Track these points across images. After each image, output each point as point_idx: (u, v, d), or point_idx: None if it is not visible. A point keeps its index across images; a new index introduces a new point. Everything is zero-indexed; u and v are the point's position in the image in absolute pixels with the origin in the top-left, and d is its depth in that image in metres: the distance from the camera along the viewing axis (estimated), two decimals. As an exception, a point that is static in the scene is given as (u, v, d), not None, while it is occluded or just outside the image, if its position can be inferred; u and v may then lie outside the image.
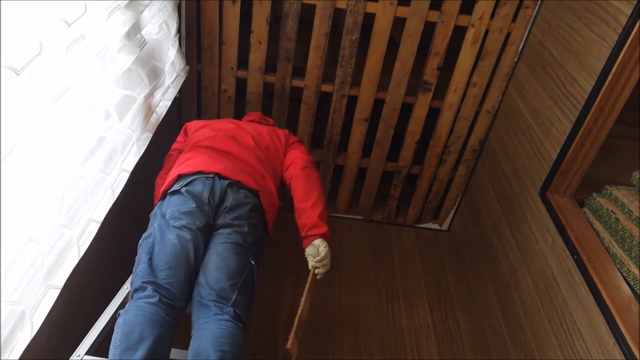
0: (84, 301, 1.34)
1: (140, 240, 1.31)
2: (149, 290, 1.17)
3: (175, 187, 1.38)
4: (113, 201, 1.27)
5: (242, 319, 1.23)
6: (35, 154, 0.89)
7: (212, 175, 1.39)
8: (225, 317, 1.19)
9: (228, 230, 1.34)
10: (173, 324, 1.17)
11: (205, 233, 1.33)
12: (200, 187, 1.37)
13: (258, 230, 1.42)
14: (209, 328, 1.16)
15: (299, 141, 1.74)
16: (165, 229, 1.29)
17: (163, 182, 1.46)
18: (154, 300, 1.15)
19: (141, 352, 1.05)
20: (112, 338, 1.10)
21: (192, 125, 1.70)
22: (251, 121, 1.77)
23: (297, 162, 1.62)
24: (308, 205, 1.48)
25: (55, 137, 0.95)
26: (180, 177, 1.40)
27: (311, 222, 1.46)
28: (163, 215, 1.33)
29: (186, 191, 1.35)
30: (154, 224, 1.33)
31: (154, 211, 1.39)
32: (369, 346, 1.85)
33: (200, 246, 1.30)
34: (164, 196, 1.39)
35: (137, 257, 1.27)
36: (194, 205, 1.33)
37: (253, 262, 1.33)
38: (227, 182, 1.40)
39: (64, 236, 1.02)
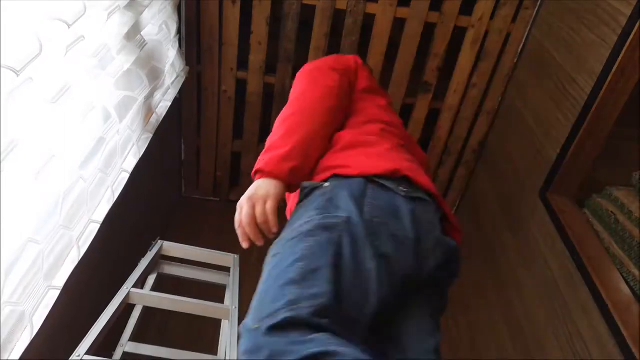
0: (84, 301, 1.34)
1: (308, 224, 0.80)
2: (327, 324, 0.69)
3: (389, 183, 0.88)
4: (113, 202, 1.27)
5: None
6: (35, 154, 0.89)
7: (431, 199, 0.92)
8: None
9: (433, 291, 0.91)
10: None
11: (407, 285, 0.86)
12: (427, 215, 0.89)
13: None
14: None
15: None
16: (363, 250, 0.79)
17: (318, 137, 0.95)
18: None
19: None
20: None
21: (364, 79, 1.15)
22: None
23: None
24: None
25: (55, 138, 0.95)
26: (399, 175, 0.91)
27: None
28: (360, 208, 0.82)
29: (409, 201, 0.87)
30: (339, 209, 0.82)
31: (323, 185, 0.89)
32: (369, 347, 1.84)
33: (388, 295, 0.81)
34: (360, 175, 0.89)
35: (303, 246, 0.78)
36: (412, 236, 0.84)
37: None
38: (439, 211, 0.93)
39: (64, 237, 1.02)
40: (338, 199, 0.84)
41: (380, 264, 0.79)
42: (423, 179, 0.93)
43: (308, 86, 1.03)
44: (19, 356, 0.90)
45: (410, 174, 0.91)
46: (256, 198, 0.89)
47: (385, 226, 0.82)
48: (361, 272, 0.77)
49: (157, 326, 1.67)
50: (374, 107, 1.10)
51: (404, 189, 0.88)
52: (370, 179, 0.88)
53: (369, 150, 0.96)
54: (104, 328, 1.20)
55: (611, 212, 1.42)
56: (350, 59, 1.16)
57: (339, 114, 1.04)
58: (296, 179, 0.92)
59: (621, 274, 1.30)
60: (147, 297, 1.31)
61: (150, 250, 1.48)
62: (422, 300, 0.90)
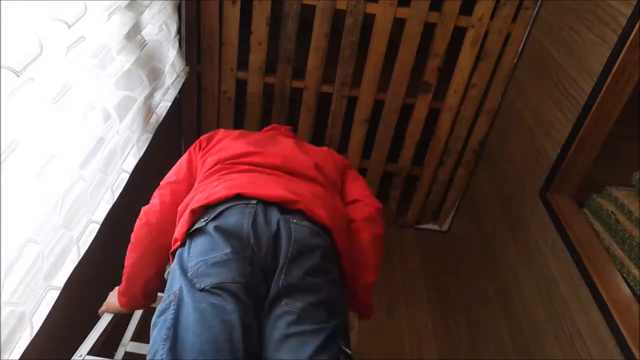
0: (84, 301, 1.34)
1: (154, 318, 0.86)
2: None
3: (197, 225, 0.94)
4: (113, 202, 1.27)
5: None
6: (35, 154, 0.89)
7: (254, 202, 0.95)
8: None
9: (299, 303, 0.86)
10: None
11: (256, 296, 0.87)
12: (235, 217, 0.92)
13: (339, 288, 0.96)
14: None
15: (351, 165, 1.31)
16: (190, 296, 0.83)
17: (166, 230, 1.05)
18: None
19: None
20: None
21: (206, 139, 1.25)
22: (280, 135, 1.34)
23: (363, 203, 1.16)
24: (361, 275, 1.08)
25: (55, 138, 0.95)
26: (204, 209, 0.96)
27: (357, 293, 1.08)
28: (184, 272, 0.88)
29: (215, 228, 0.91)
30: (173, 288, 0.88)
31: (170, 267, 0.98)
32: (369, 347, 1.85)
33: (250, 321, 0.83)
34: (183, 242, 0.95)
35: (150, 342, 0.83)
36: (228, 249, 0.87)
37: (348, 350, 0.88)
38: (285, 214, 0.95)
39: (64, 237, 1.02)
40: (171, 279, 0.93)
41: (209, 302, 0.82)
42: (219, 194, 0.97)
43: (128, 255, 1.12)
44: (18, 356, 0.90)
45: (206, 200, 0.96)
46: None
47: (203, 265, 0.87)
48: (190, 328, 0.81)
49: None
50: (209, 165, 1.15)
51: (204, 220, 0.94)
52: (188, 232, 0.95)
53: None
54: (105, 328, 1.20)
55: (611, 212, 1.42)
56: (181, 166, 1.22)
57: (156, 248, 1.10)
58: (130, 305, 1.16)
59: (621, 274, 1.30)
60: None
61: None
62: (278, 321, 0.87)
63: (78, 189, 1.07)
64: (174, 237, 1.00)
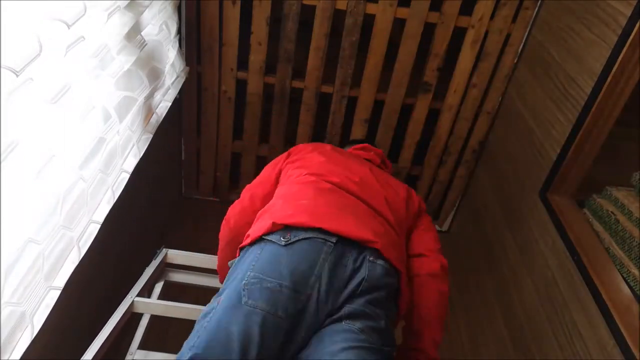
0: (84, 302, 1.34)
1: (199, 317, 0.93)
2: None
3: (273, 238, 0.96)
4: (113, 202, 1.26)
5: None
6: (35, 155, 0.89)
7: (334, 240, 0.96)
8: None
9: (358, 324, 0.89)
10: None
11: (289, 335, 0.90)
12: (311, 254, 0.93)
13: (393, 325, 1.03)
14: None
15: (426, 210, 1.30)
16: (234, 307, 0.88)
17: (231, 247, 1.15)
18: None
19: None
20: None
21: (296, 151, 1.28)
22: (367, 160, 1.35)
23: (429, 259, 1.16)
24: (426, 331, 1.11)
25: (55, 138, 0.95)
26: (284, 226, 0.98)
27: (423, 346, 1.10)
28: (241, 278, 0.92)
29: (288, 252, 0.93)
30: (223, 292, 0.93)
31: (231, 268, 1.01)
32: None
33: (272, 336, 0.87)
34: (253, 242, 0.99)
35: (190, 338, 0.90)
36: (288, 282, 0.90)
37: None
38: (359, 251, 0.97)
39: (65, 237, 1.02)
40: (228, 276, 1.00)
41: (252, 320, 0.86)
42: (303, 219, 0.99)
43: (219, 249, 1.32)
44: (19, 356, 0.90)
45: (290, 220, 0.98)
46: None
47: (259, 283, 0.90)
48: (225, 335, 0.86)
49: (173, 333, 1.67)
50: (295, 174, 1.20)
51: (284, 238, 0.96)
52: (259, 239, 0.99)
53: (262, 215, 1.09)
54: (108, 336, 1.19)
55: (611, 212, 1.42)
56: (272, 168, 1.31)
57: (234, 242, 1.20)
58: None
59: (621, 274, 1.30)
60: (152, 305, 1.31)
61: (155, 259, 1.48)
62: (337, 331, 0.91)
63: (78, 189, 1.07)
64: (247, 232, 1.04)
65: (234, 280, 0.93)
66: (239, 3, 1.84)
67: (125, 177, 1.34)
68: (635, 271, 1.27)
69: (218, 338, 0.85)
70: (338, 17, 1.89)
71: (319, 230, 0.97)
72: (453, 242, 2.39)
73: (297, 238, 0.95)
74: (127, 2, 1.24)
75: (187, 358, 0.83)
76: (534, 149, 1.71)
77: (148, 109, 1.51)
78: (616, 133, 1.49)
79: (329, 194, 1.08)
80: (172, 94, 1.73)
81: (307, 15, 1.89)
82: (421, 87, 2.03)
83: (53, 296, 0.99)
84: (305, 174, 1.15)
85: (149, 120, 1.52)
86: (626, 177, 1.48)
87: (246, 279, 0.91)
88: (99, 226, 1.17)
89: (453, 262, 2.26)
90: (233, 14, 1.87)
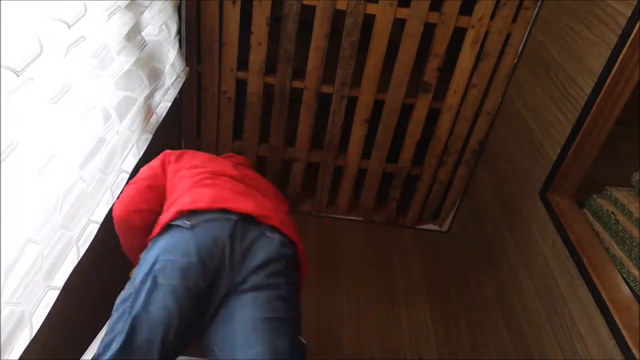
0: (83, 302, 1.34)
1: (117, 301, 1.02)
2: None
3: (179, 223, 1.06)
4: (112, 202, 1.27)
5: None
6: (35, 154, 0.89)
7: (234, 217, 1.07)
8: None
9: (264, 294, 1.00)
10: None
11: (208, 301, 1.01)
12: (215, 231, 1.04)
13: (297, 291, 1.11)
14: None
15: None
16: (153, 289, 0.98)
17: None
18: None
19: None
20: None
21: (172, 156, 1.34)
22: (239, 164, 1.46)
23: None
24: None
25: (55, 138, 0.95)
26: (190, 212, 1.08)
27: None
28: (153, 263, 1.01)
29: (193, 234, 1.03)
30: (138, 277, 1.01)
31: (142, 256, 1.09)
32: (369, 347, 1.85)
33: (194, 310, 0.98)
34: (162, 231, 1.09)
35: (109, 322, 0.99)
36: (195, 259, 1.00)
37: (304, 341, 1.03)
38: (259, 227, 1.08)
39: (64, 237, 1.02)
40: (141, 264, 1.08)
41: (169, 297, 0.96)
42: (205, 203, 1.09)
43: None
44: (18, 356, 0.90)
45: (194, 205, 1.09)
46: None
47: (170, 265, 1.00)
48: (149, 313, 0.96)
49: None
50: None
51: (189, 221, 1.07)
52: (166, 227, 1.10)
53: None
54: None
55: (611, 212, 1.42)
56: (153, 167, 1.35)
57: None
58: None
59: (621, 274, 1.30)
60: None
61: None
62: (245, 304, 1.01)
63: (78, 189, 1.07)
64: (156, 224, 1.13)
65: (147, 265, 1.01)
66: (239, 3, 1.84)
67: (125, 177, 1.34)
68: (635, 271, 1.27)
69: (141, 321, 0.94)
70: (338, 17, 1.89)
71: (221, 211, 1.08)
72: (453, 242, 2.39)
73: (201, 219, 1.06)
74: (127, 2, 1.24)
75: (118, 346, 0.92)
76: (534, 149, 1.71)
77: (148, 109, 1.51)
78: (616, 133, 1.48)
79: (225, 183, 1.19)
80: (172, 94, 1.73)
81: (307, 15, 1.89)
82: (421, 87, 2.03)
83: (52, 296, 0.99)
84: (199, 171, 1.24)
85: (149, 120, 1.52)
86: (626, 177, 1.48)
87: (158, 262, 1.00)
88: (98, 226, 1.17)
89: (453, 262, 2.28)
90: (233, 14, 1.87)
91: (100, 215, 1.19)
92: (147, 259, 1.04)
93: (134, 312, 0.96)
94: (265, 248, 1.05)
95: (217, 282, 1.01)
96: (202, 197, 1.12)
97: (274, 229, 1.11)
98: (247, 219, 1.09)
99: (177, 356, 1.00)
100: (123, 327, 0.95)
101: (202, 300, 1.00)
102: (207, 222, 1.06)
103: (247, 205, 1.11)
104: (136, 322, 0.95)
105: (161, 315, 0.95)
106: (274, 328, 0.98)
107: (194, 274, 0.99)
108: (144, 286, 0.98)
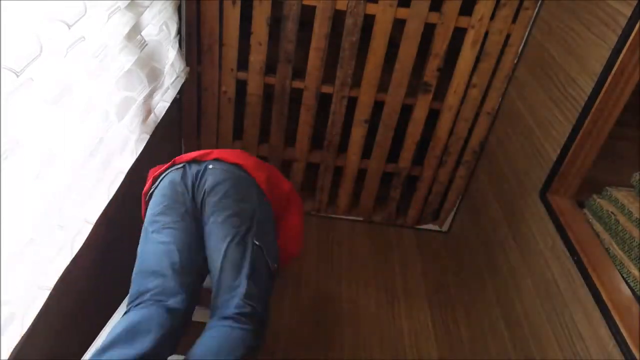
0: (84, 302, 1.34)
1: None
2: (142, 298, 1.14)
3: (152, 189, 1.33)
4: (107, 201, 1.26)
5: (254, 316, 1.13)
6: (35, 154, 0.89)
7: (182, 165, 1.33)
8: (227, 322, 1.11)
9: (214, 217, 1.23)
10: (175, 324, 1.10)
11: (195, 221, 1.26)
12: (170, 177, 1.30)
13: (252, 203, 1.30)
14: (205, 336, 1.11)
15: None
16: (144, 240, 1.24)
17: None
18: (152, 304, 1.12)
19: (144, 344, 1.01)
20: (111, 334, 1.03)
21: None
22: None
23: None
24: None
25: (55, 138, 0.95)
26: (153, 180, 1.36)
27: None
28: (145, 226, 1.27)
29: (157, 190, 1.30)
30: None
31: None
32: (369, 347, 1.85)
33: (187, 241, 1.22)
34: (146, 202, 1.35)
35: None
36: (166, 202, 1.25)
37: (257, 243, 1.23)
38: (203, 163, 1.32)
39: (60, 236, 1.02)
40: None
41: (165, 233, 1.22)
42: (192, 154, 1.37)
43: None
44: (7, 356, 0.90)
45: (157, 172, 1.37)
46: None
47: (152, 217, 1.26)
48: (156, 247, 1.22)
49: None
50: None
51: (153, 185, 1.35)
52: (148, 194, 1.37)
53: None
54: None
55: (611, 212, 1.42)
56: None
57: None
58: None
59: (621, 274, 1.30)
60: None
61: None
62: (212, 231, 1.26)
63: (76, 189, 1.07)
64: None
65: (144, 228, 1.28)
66: (239, 3, 1.84)
67: (121, 177, 1.34)
68: (635, 271, 1.27)
69: (149, 264, 1.19)
70: (338, 17, 1.89)
71: (173, 166, 1.35)
72: (453, 243, 2.39)
73: (160, 178, 1.34)
74: (127, 2, 1.24)
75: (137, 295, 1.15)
76: (534, 149, 1.71)
77: (147, 109, 1.51)
78: (616, 133, 1.49)
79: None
80: (171, 94, 1.73)
81: (307, 15, 1.89)
82: (421, 88, 2.03)
83: (43, 296, 0.99)
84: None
85: (148, 120, 1.52)
86: (626, 177, 1.48)
87: (145, 221, 1.27)
88: (91, 226, 1.17)
89: (453, 262, 2.28)
90: (233, 14, 1.87)
91: (94, 215, 1.19)
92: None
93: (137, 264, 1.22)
94: (210, 177, 1.28)
95: (189, 215, 1.25)
96: (165, 165, 1.39)
97: (215, 161, 1.33)
98: (192, 162, 1.34)
99: (202, 279, 1.29)
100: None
101: (187, 233, 1.24)
102: (165, 177, 1.33)
103: (191, 155, 1.35)
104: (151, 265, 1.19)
105: (161, 247, 1.20)
106: (222, 238, 1.21)
107: (171, 213, 1.25)
108: (142, 238, 1.25)
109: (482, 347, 1.88)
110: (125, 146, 1.35)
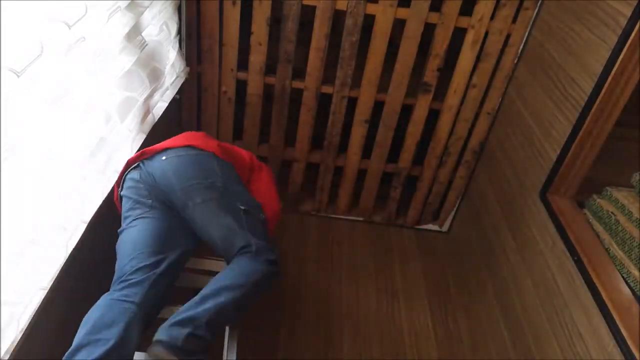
0: (84, 302, 1.34)
1: None
2: (116, 286, 1.19)
3: (120, 195, 1.37)
4: (102, 199, 1.26)
5: (266, 251, 1.24)
6: (35, 154, 0.89)
7: (137, 164, 1.35)
8: (244, 256, 1.22)
9: (191, 201, 1.27)
10: (140, 309, 1.14)
11: (168, 209, 1.30)
12: (130, 177, 1.33)
13: (215, 173, 1.34)
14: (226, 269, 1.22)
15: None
16: (120, 234, 1.29)
17: None
18: (118, 291, 1.17)
19: (112, 334, 1.05)
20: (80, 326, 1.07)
21: None
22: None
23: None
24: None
25: (55, 138, 0.95)
26: (117, 185, 1.39)
27: None
28: (122, 225, 1.32)
29: (122, 191, 1.33)
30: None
31: None
32: (369, 347, 1.85)
33: (158, 226, 1.27)
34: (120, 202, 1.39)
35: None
36: (133, 199, 1.30)
37: (242, 207, 1.30)
38: (156, 156, 1.34)
39: (58, 237, 1.02)
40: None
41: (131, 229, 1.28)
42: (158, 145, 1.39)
43: None
44: (6, 357, 0.90)
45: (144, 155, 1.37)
46: None
47: (124, 213, 1.31)
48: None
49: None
50: None
51: (120, 187, 1.37)
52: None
53: None
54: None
55: (611, 212, 1.42)
56: None
57: None
58: None
59: (621, 274, 1.30)
60: None
61: None
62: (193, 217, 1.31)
63: (75, 189, 1.07)
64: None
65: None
66: (239, 3, 1.84)
67: (116, 176, 1.34)
68: (635, 272, 1.27)
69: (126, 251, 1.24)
70: (338, 17, 1.89)
71: (129, 165, 1.36)
72: (453, 243, 2.39)
73: (123, 180, 1.36)
74: (127, 2, 1.24)
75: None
76: (534, 149, 1.71)
77: (146, 109, 1.51)
78: (616, 133, 1.49)
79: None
80: (171, 94, 1.73)
81: (307, 15, 1.89)
82: (421, 88, 2.03)
83: (39, 296, 0.99)
84: None
85: (146, 120, 1.52)
86: (626, 177, 1.48)
87: (122, 221, 1.32)
88: (85, 225, 1.17)
89: (453, 262, 2.28)
90: (233, 14, 1.87)
91: (89, 214, 1.19)
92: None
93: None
94: (168, 167, 1.30)
95: (155, 201, 1.30)
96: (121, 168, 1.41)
97: (166, 150, 1.34)
98: (146, 159, 1.34)
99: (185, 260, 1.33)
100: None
101: (159, 213, 1.30)
102: (125, 179, 1.35)
103: (143, 152, 1.35)
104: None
105: (134, 234, 1.26)
106: (209, 214, 1.28)
107: (137, 204, 1.30)
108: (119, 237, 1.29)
109: (482, 347, 1.88)
110: (124, 146, 1.36)
